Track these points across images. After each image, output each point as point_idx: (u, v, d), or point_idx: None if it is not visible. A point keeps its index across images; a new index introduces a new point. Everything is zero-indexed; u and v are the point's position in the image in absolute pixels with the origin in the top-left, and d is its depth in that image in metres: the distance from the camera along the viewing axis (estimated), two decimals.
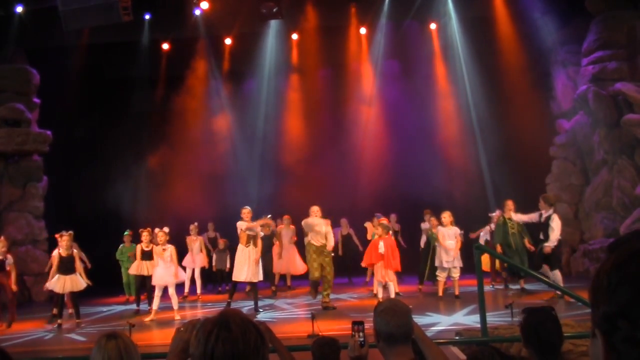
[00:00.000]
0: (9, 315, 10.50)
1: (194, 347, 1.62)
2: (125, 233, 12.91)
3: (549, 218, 10.28)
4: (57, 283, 10.23)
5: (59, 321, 10.22)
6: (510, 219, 11.07)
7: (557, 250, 10.34)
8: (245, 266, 10.49)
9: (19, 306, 11.42)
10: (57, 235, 10.81)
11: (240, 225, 10.62)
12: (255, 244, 10.63)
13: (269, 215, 12.04)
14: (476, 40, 14.74)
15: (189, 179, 15.23)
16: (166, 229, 11.16)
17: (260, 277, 10.78)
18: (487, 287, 12.06)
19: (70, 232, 10.61)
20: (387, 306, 2.67)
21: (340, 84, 15.84)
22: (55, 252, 10.53)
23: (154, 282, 10.64)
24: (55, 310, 10.76)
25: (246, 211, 10.72)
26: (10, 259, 10.72)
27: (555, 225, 10.23)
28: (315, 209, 10.85)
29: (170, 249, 10.68)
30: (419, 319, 8.57)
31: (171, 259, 10.60)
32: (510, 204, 11.16)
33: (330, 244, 10.85)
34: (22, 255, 13.45)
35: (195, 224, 13.43)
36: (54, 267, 10.36)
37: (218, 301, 12.42)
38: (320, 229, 10.68)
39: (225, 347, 1.56)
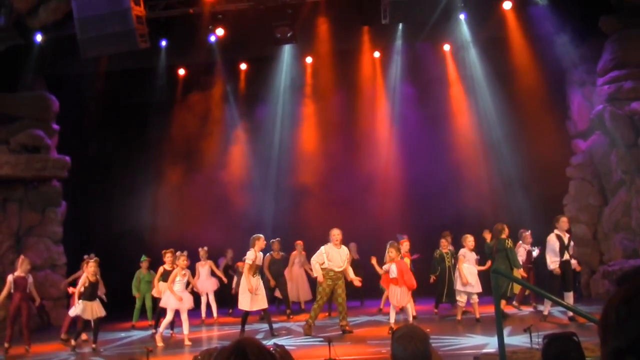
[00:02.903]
0: (25, 339, 10.57)
1: None
2: (142, 259, 12.93)
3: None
4: (87, 310, 10.29)
5: (72, 343, 10.31)
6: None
7: (567, 272, 10.27)
8: (253, 296, 10.48)
9: (38, 330, 11.50)
10: (84, 261, 10.94)
11: (248, 255, 10.64)
12: (260, 274, 10.80)
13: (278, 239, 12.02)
14: (491, 61, 14.74)
15: (204, 204, 15.32)
16: (185, 253, 11.21)
17: (267, 304, 10.77)
18: (513, 310, 11.92)
19: (96, 258, 10.74)
20: (404, 332, 2.64)
21: (354, 107, 15.89)
22: (84, 276, 10.57)
23: (165, 304, 10.60)
24: (85, 336, 10.83)
25: (260, 240, 10.71)
26: (31, 278, 10.86)
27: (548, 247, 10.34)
28: (335, 233, 10.61)
29: (189, 275, 10.75)
30: (437, 342, 8.49)
31: (189, 285, 10.66)
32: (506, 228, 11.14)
33: (351, 275, 10.72)
34: (41, 280, 13.54)
35: (205, 248, 13.37)
36: (81, 290, 10.40)
37: (231, 324, 12.39)
38: (341, 262, 10.56)
39: None
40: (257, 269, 10.65)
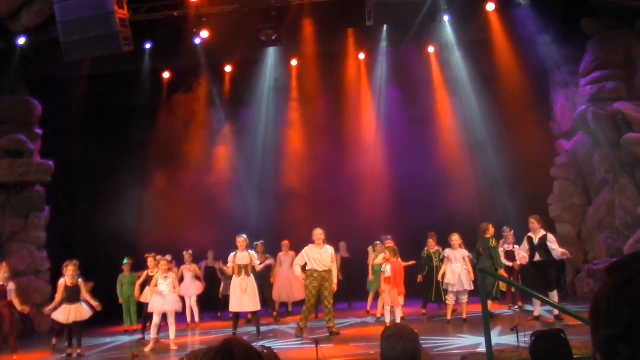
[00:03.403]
0: (11, 347, 10.43)
1: None
2: (124, 262, 12.83)
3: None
4: (62, 313, 10.18)
5: (68, 351, 10.22)
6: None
7: (546, 272, 10.35)
8: (240, 296, 10.43)
9: (21, 337, 11.37)
10: (64, 266, 10.84)
11: (230, 258, 10.61)
12: (247, 274, 10.55)
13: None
14: (475, 63, 14.83)
15: (190, 206, 15.26)
16: (168, 257, 11.12)
17: (258, 307, 10.71)
18: (505, 310, 11.97)
19: (76, 261, 10.60)
20: (393, 332, 2.64)
21: (340, 109, 15.92)
22: (61, 281, 10.48)
23: (152, 309, 10.52)
24: (54, 341, 10.74)
25: (241, 240, 10.65)
26: (12, 285, 10.67)
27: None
28: (317, 233, 10.63)
29: (172, 277, 10.65)
30: (426, 342, 8.51)
31: (173, 288, 10.56)
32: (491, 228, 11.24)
33: (336, 276, 10.69)
34: (24, 286, 13.37)
35: (190, 252, 13.33)
36: (59, 297, 10.31)
37: (218, 328, 12.33)
38: (323, 262, 10.53)
39: None
40: (242, 269, 10.57)
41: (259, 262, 10.89)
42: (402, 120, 15.15)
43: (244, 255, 10.61)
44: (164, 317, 10.44)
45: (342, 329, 10.89)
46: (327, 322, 10.59)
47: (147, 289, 11.10)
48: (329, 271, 10.55)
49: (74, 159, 15.60)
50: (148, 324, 11.45)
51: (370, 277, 12.50)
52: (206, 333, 12.09)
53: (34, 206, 14.42)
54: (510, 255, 11.89)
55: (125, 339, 11.95)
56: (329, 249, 10.70)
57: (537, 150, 14.04)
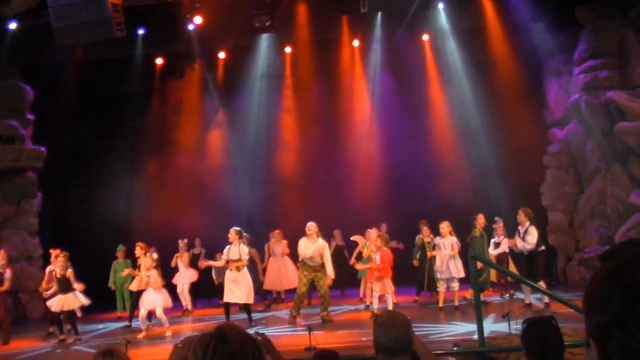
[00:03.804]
0: (4, 333, 10.45)
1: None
2: (118, 249, 12.81)
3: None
4: (55, 302, 10.23)
5: (60, 337, 10.27)
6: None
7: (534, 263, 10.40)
8: (232, 287, 10.43)
9: (14, 323, 11.37)
10: (51, 252, 10.80)
11: (225, 250, 10.62)
12: (237, 269, 10.51)
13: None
14: (469, 51, 14.80)
15: (182, 193, 15.23)
16: (155, 255, 11.11)
17: (251, 301, 10.72)
18: (496, 298, 12.04)
19: (66, 252, 10.61)
20: (386, 318, 2.66)
21: (334, 96, 15.87)
22: (49, 269, 10.47)
23: (141, 305, 10.55)
24: (51, 329, 10.77)
25: (233, 232, 10.62)
26: (8, 273, 10.70)
27: None
28: (307, 226, 10.61)
29: (153, 275, 10.54)
30: (418, 330, 8.55)
31: (155, 285, 10.49)
32: (480, 217, 11.23)
33: (328, 271, 10.61)
34: (16, 272, 13.31)
35: (185, 240, 13.31)
36: (55, 288, 10.34)
37: (210, 315, 12.36)
38: (313, 258, 10.52)
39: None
40: (232, 263, 10.59)
41: (247, 257, 10.79)
42: (396, 107, 15.13)
43: (234, 250, 10.58)
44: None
45: (335, 316, 10.93)
46: (320, 311, 10.61)
47: (136, 278, 11.14)
48: (321, 265, 10.55)
49: (66, 145, 15.50)
50: (136, 312, 11.51)
51: (357, 265, 12.25)
52: (200, 320, 12.11)
53: (25, 192, 14.35)
54: (499, 247, 11.91)
55: (118, 325, 11.96)
56: (321, 243, 10.59)
57: (530, 138, 14.08)
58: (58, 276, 10.31)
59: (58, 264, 10.38)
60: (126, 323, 11.48)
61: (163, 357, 8.56)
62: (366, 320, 10.20)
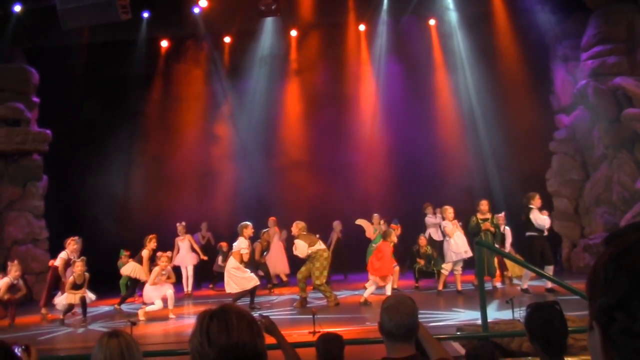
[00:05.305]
0: (10, 315, 10.57)
1: (191, 336, 1.65)
2: (121, 254, 12.75)
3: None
4: (66, 298, 10.45)
5: (61, 316, 10.45)
6: (484, 219, 11.15)
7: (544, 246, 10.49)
8: (238, 279, 10.53)
9: (20, 305, 11.48)
10: (68, 242, 10.97)
11: (241, 244, 10.67)
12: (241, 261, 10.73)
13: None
14: (475, 36, 14.72)
15: (188, 178, 15.26)
16: (169, 253, 11.19)
17: (257, 281, 10.81)
18: (498, 284, 12.03)
19: (83, 257, 10.73)
20: (392, 303, 2.62)
21: (339, 80, 15.81)
22: (64, 256, 10.70)
23: (149, 299, 10.60)
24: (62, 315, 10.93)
25: (248, 228, 10.72)
26: (21, 283, 11.02)
27: None
28: (300, 226, 10.75)
29: (168, 272, 10.73)
30: (421, 316, 8.55)
31: (167, 278, 10.66)
32: (484, 204, 11.24)
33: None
34: (22, 254, 13.45)
35: (183, 223, 13.36)
36: (68, 286, 10.48)
37: (212, 296, 12.46)
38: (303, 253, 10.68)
39: (221, 335, 1.59)
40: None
41: (245, 252, 10.85)
42: (401, 92, 15.08)
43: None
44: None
45: (339, 300, 10.98)
46: (327, 302, 10.62)
47: (138, 267, 11.18)
48: (309, 255, 10.66)
49: (72, 128, 15.53)
50: (129, 299, 11.66)
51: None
52: (203, 302, 12.17)
53: (31, 175, 14.40)
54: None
55: (123, 308, 12.02)
56: (300, 245, 10.69)
57: (537, 124, 14.02)
58: (77, 282, 10.48)
59: (77, 269, 10.51)
60: (115, 306, 11.50)
61: (167, 339, 8.64)
62: (369, 305, 10.21)
